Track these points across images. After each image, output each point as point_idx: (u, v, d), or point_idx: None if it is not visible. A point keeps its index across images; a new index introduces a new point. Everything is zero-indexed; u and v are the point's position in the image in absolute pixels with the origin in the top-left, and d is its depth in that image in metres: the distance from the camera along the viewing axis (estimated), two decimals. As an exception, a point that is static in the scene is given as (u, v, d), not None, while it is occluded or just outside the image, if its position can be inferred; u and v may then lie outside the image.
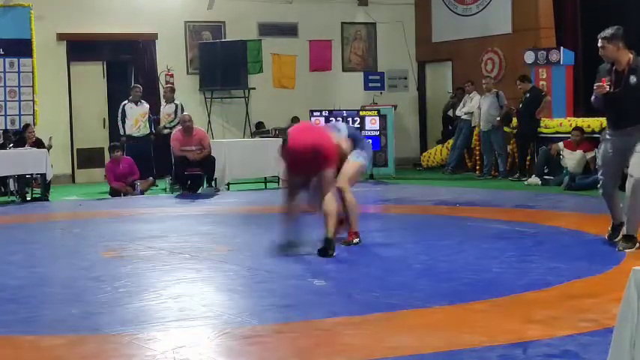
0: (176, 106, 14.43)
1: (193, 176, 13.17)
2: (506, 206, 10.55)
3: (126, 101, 14.13)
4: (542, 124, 13.83)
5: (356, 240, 7.51)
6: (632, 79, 6.79)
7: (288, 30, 17.36)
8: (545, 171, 13.34)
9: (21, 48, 14.84)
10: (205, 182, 13.23)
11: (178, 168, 13.12)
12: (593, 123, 12.86)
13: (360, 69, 17.97)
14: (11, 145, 13.44)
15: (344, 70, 17.95)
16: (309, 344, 4.43)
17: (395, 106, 16.09)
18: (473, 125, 15.34)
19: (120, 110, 14.10)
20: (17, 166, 12.38)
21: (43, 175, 12.53)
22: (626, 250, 6.72)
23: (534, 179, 13.23)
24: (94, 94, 15.94)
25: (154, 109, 14.56)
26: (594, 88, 6.96)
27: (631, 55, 6.88)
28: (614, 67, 6.92)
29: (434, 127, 18.28)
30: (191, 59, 16.61)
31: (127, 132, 13.98)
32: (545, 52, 14.57)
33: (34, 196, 12.79)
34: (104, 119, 15.95)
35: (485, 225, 8.84)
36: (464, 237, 8.02)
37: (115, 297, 5.66)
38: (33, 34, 14.90)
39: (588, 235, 7.84)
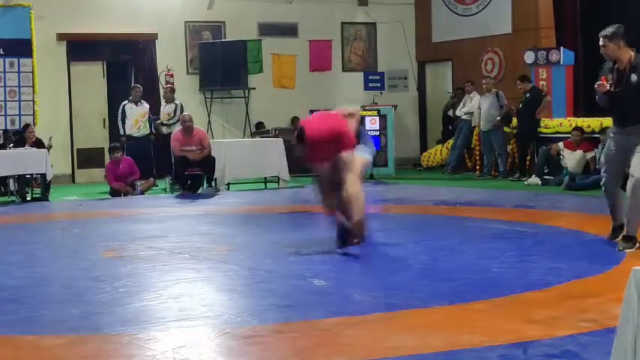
0: (176, 106, 14.44)
1: (193, 176, 13.16)
2: (506, 206, 10.54)
3: (126, 101, 14.13)
4: (542, 124, 13.84)
5: (356, 240, 7.50)
6: (633, 77, 6.78)
7: (288, 30, 17.37)
8: (545, 171, 13.34)
9: (21, 48, 14.84)
10: (205, 182, 13.22)
11: (178, 168, 13.12)
12: (593, 123, 12.86)
13: (360, 69, 17.97)
14: (11, 145, 13.45)
15: (344, 70, 17.96)
16: (309, 344, 4.43)
17: (395, 106, 16.09)
18: (473, 125, 15.34)
19: (120, 110, 14.10)
20: (17, 166, 12.38)
21: (43, 175, 12.53)
22: (626, 250, 6.72)
23: (534, 179, 13.23)
24: (94, 94, 15.95)
25: (154, 109, 14.55)
26: (595, 86, 6.97)
27: (632, 53, 6.86)
28: (615, 66, 6.92)
29: (434, 127, 18.28)
30: (191, 59, 16.61)
31: (127, 132, 13.99)
32: (545, 52, 14.58)
33: (34, 196, 12.79)
34: (104, 119, 15.95)
35: (485, 225, 8.83)
36: (464, 237, 8.02)
37: (115, 297, 5.66)
38: (33, 34, 14.90)
39: (588, 235, 7.84)
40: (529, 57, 14.68)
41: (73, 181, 15.72)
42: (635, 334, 2.88)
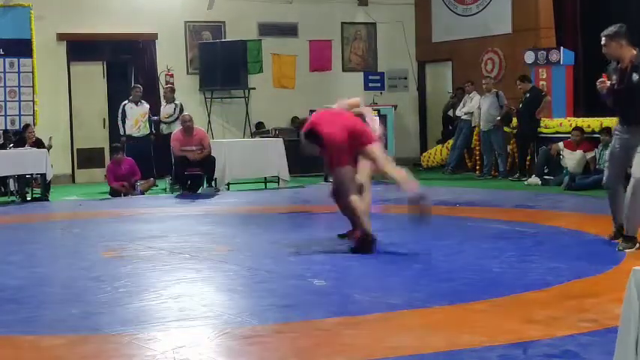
0: (176, 106, 14.44)
1: (193, 176, 13.16)
2: (506, 206, 10.54)
3: (126, 101, 14.14)
4: (542, 124, 13.84)
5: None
6: (635, 76, 6.77)
7: (288, 30, 17.37)
8: (545, 171, 13.34)
9: (21, 48, 14.85)
10: (205, 182, 13.22)
11: (178, 168, 13.12)
12: (593, 123, 12.86)
13: (360, 69, 17.97)
14: (11, 145, 13.45)
15: (344, 70, 17.96)
16: (309, 344, 4.43)
17: (395, 106, 16.09)
18: (473, 125, 15.34)
19: (120, 110, 14.10)
20: (17, 166, 12.38)
21: (43, 175, 12.53)
22: (626, 250, 6.72)
23: (534, 179, 13.23)
24: (94, 94, 15.95)
25: (154, 109, 14.55)
26: (597, 84, 6.97)
27: (634, 52, 6.84)
28: (618, 65, 6.92)
29: (434, 127, 18.28)
30: (191, 59, 16.61)
31: (127, 132, 13.99)
32: (545, 52, 14.58)
33: (34, 196, 12.79)
34: (104, 119, 15.96)
35: (485, 225, 8.84)
36: (464, 237, 8.02)
37: (115, 297, 5.66)
38: (33, 34, 14.90)
39: (588, 235, 7.84)
40: (529, 57, 14.68)
41: (73, 181, 15.72)
42: (637, 334, 2.89)
